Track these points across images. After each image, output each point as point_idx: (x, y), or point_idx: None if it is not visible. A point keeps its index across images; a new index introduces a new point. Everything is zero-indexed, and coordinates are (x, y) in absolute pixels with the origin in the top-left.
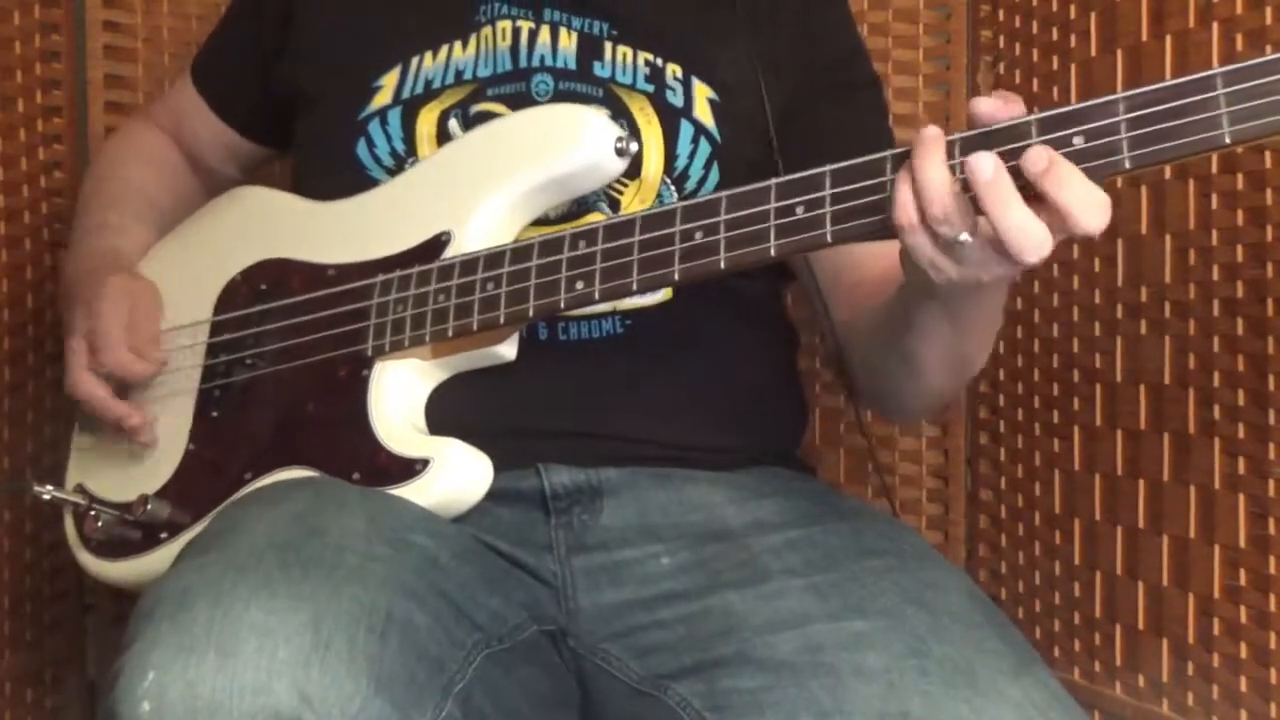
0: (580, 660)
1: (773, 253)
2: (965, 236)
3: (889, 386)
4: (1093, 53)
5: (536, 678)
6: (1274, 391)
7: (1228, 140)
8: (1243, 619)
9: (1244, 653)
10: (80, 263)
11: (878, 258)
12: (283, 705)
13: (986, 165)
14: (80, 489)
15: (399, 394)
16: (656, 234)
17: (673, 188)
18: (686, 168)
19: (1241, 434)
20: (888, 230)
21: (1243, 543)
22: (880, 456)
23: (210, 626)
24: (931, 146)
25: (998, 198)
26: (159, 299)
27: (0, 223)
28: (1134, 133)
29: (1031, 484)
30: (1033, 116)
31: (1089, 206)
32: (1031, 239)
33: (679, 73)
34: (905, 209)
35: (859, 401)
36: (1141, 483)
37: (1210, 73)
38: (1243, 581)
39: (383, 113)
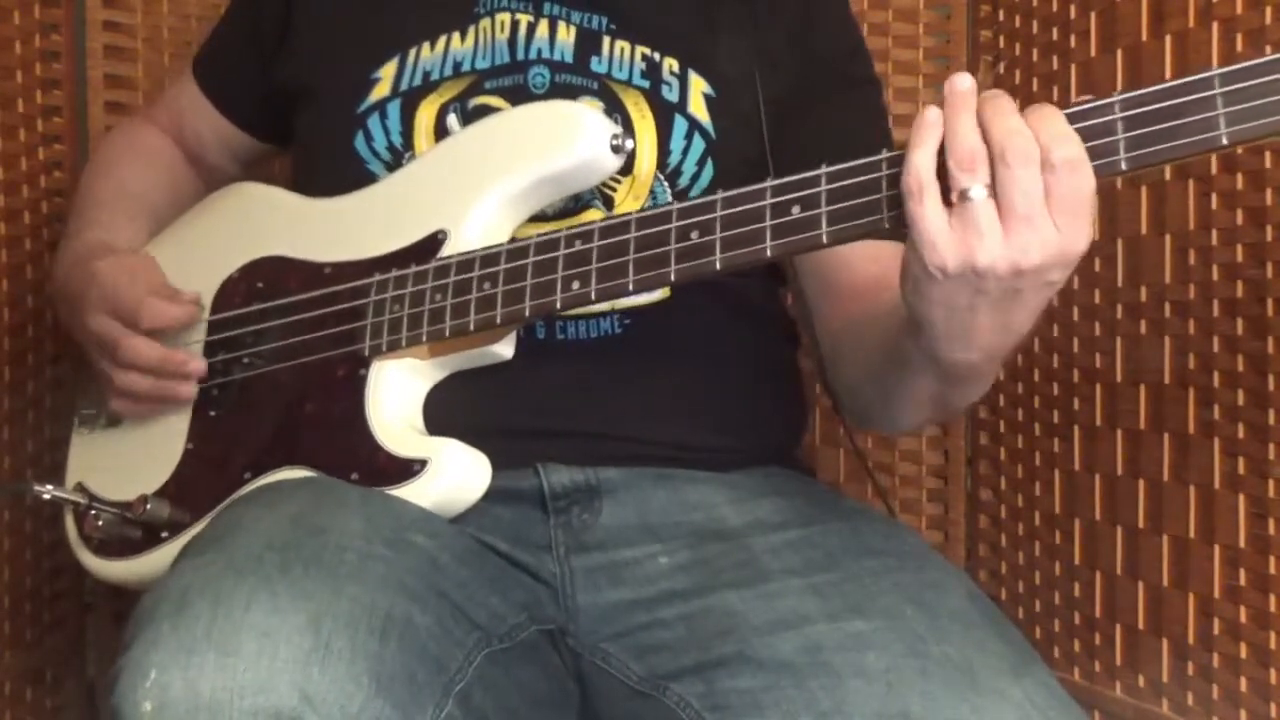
0: (579, 660)
1: (769, 253)
2: (979, 188)
3: (869, 408)
4: (1093, 53)
5: (535, 678)
6: (1274, 391)
7: (1225, 141)
8: (1243, 619)
9: (1244, 653)
10: (68, 260)
11: (870, 260)
12: (284, 704)
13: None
14: (80, 488)
15: (396, 394)
16: (652, 233)
17: (666, 184)
18: (680, 164)
19: (1241, 434)
20: (883, 231)
21: (1243, 543)
22: (880, 456)
23: (211, 627)
24: (966, 98)
25: (997, 103)
26: (158, 264)
27: (0, 223)
28: (1131, 133)
29: (1031, 484)
30: None
31: (1062, 139)
32: (1024, 142)
33: (676, 67)
34: (919, 164)
35: (840, 410)
36: (1141, 483)
37: (1208, 73)
38: (1243, 581)
39: (381, 105)
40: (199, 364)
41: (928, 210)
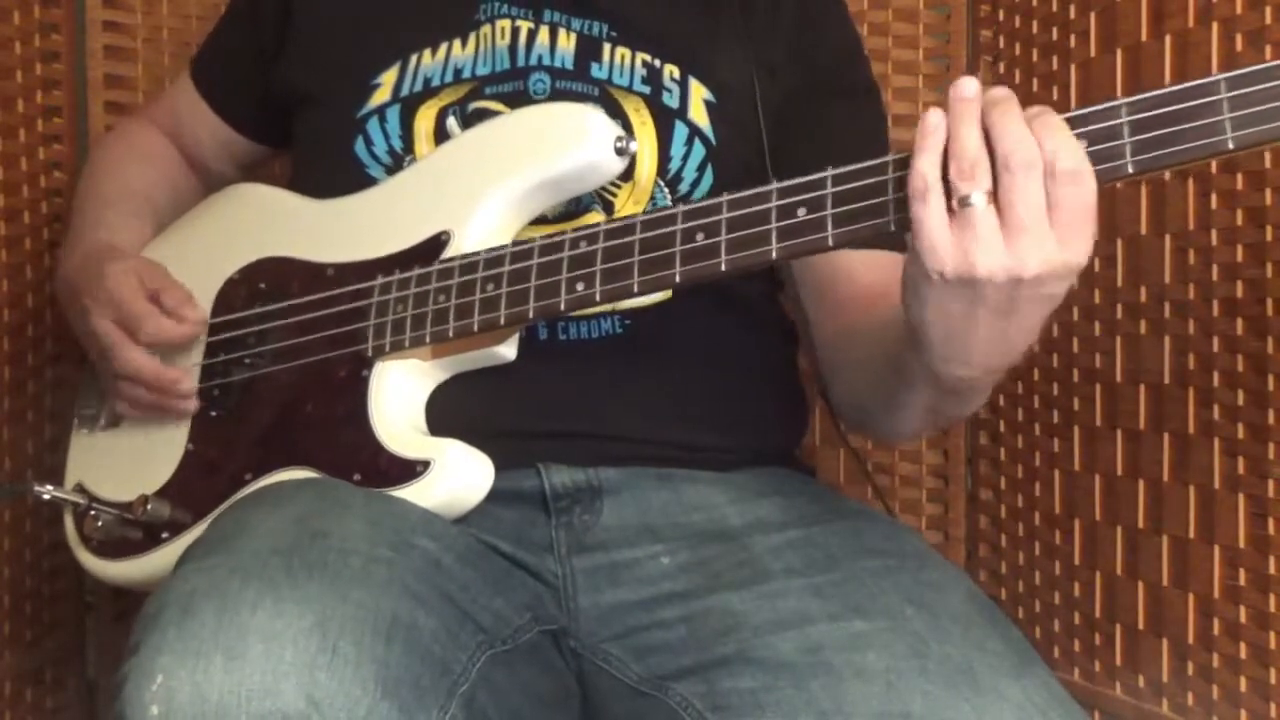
0: (581, 660)
1: (774, 255)
2: (979, 195)
3: (867, 417)
4: (1092, 53)
5: (538, 678)
6: (1274, 391)
7: (1231, 146)
8: (1243, 619)
9: (1244, 653)
10: (76, 259)
11: (870, 268)
12: (290, 708)
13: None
14: (80, 488)
15: (399, 394)
16: (657, 235)
17: (666, 190)
18: (680, 170)
19: (1241, 434)
20: (889, 235)
21: (1243, 543)
22: (879, 456)
23: (217, 630)
24: (971, 106)
25: (1004, 108)
26: (165, 270)
27: (0, 223)
28: (1137, 137)
29: (1031, 484)
30: None
31: (1066, 150)
32: (1029, 151)
33: (676, 73)
34: (924, 169)
35: (838, 417)
36: (1141, 483)
37: (1214, 78)
38: (1243, 581)
39: (381, 110)
40: (190, 384)
41: (931, 212)
